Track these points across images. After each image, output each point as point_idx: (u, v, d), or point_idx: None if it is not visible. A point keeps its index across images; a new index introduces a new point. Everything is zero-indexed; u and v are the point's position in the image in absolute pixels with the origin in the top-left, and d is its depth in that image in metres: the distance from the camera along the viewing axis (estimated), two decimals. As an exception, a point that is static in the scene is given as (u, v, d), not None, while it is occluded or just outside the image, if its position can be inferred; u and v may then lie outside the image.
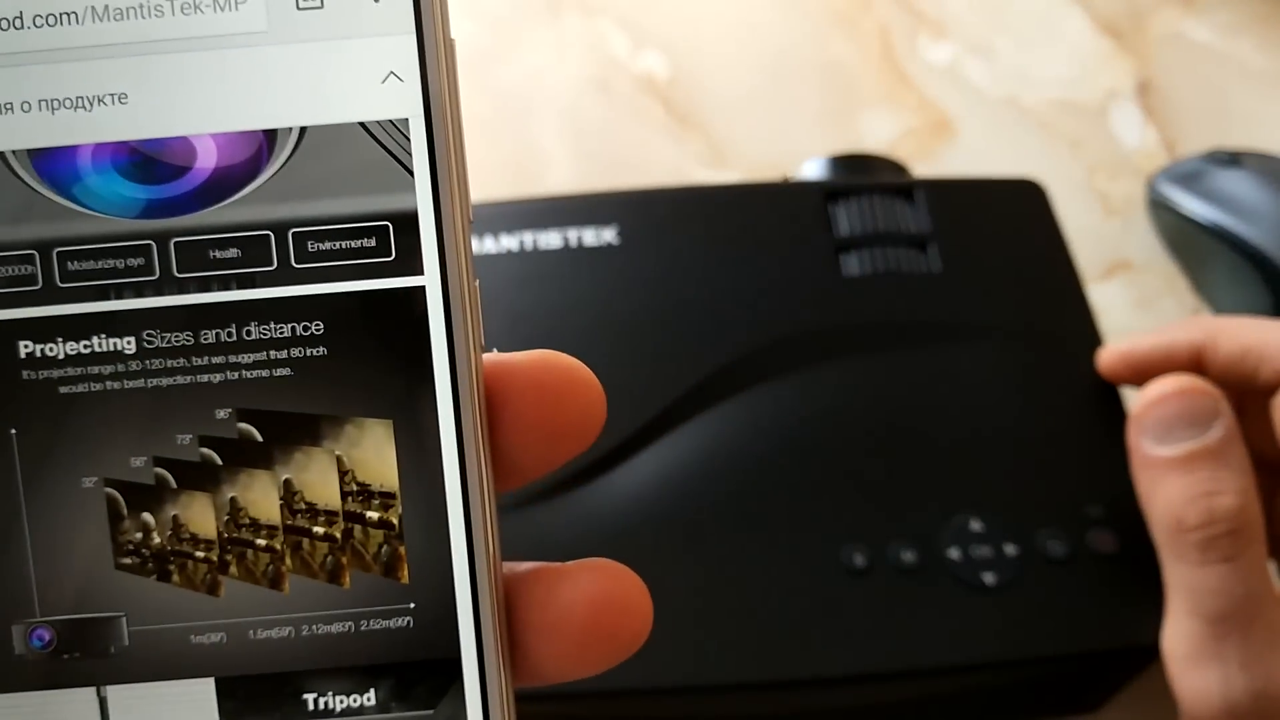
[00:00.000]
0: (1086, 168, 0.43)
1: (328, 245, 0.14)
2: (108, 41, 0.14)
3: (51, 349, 0.14)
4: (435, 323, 0.14)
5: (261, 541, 0.14)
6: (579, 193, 0.34)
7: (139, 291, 0.14)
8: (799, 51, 0.47)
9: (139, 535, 0.14)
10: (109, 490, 0.14)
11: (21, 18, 0.14)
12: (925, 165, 0.42)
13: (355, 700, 0.14)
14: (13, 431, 0.14)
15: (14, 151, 0.14)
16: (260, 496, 0.14)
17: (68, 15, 0.14)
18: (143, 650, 0.14)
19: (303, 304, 0.14)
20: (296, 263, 0.14)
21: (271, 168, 0.14)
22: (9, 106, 0.14)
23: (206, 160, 0.14)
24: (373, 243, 0.14)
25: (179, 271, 0.14)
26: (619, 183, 0.34)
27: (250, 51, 0.14)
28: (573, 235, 0.31)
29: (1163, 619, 0.25)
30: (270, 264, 0.14)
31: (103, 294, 0.14)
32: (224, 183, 0.14)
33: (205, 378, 0.14)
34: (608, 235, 0.31)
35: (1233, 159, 0.38)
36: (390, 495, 0.14)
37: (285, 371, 0.14)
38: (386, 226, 0.14)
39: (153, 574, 0.14)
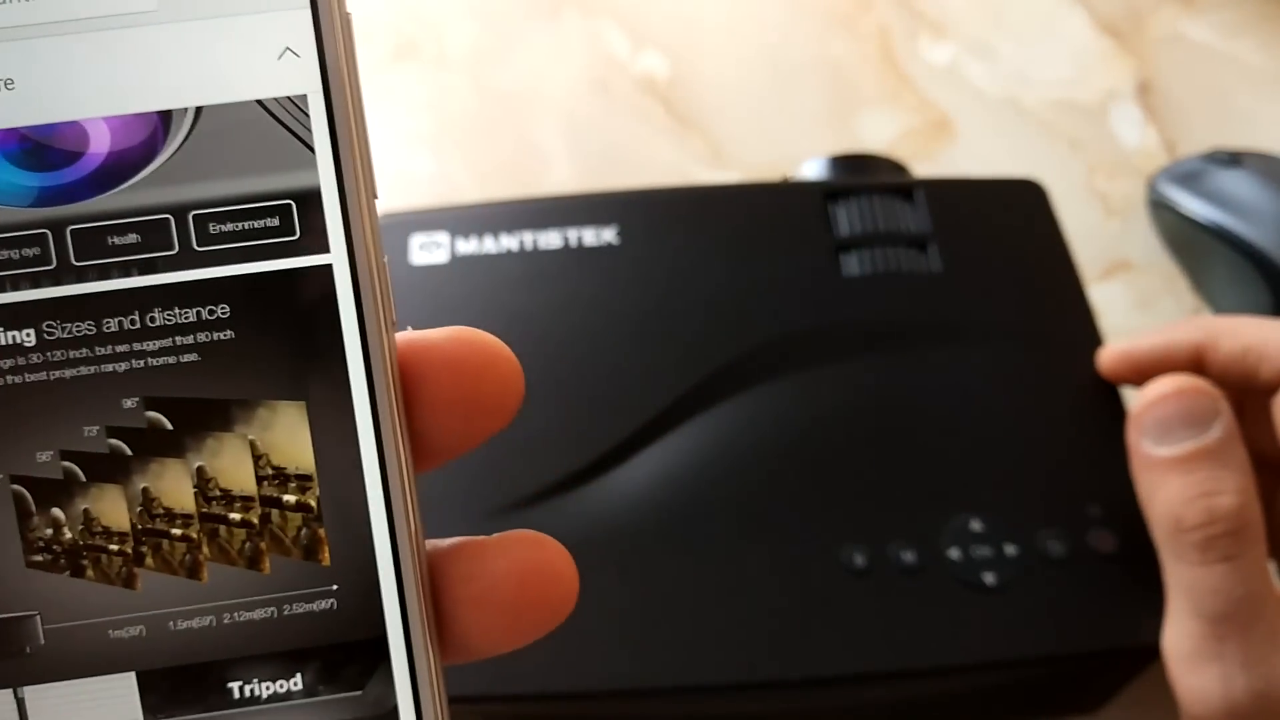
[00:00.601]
0: (1086, 168, 0.43)
1: (230, 226, 0.14)
2: None
3: None
4: (344, 301, 0.14)
5: (177, 531, 0.14)
6: (579, 193, 0.34)
7: (36, 282, 0.14)
8: (799, 51, 0.47)
9: (49, 531, 0.14)
10: (15, 487, 0.14)
11: None
12: (925, 165, 0.42)
13: (282, 686, 0.14)
14: None
15: None
16: (173, 485, 0.14)
17: None
18: (59, 648, 0.14)
19: (207, 287, 0.14)
20: (198, 245, 0.14)
21: (168, 149, 0.14)
22: None
23: (100, 144, 0.14)
24: (276, 222, 0.14)
25: (77, 260, 0.14)
26: (619, 183, 0.34)
27: (141, 31, 0.14)
28: (573, 235, 0.31)
29: (1163, 619, 0.25)
30: (171, 248, 0.14)
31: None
32: (119, 167, 0.14)
33: (110, 367, 0.14)
34: (608, 235, 0.31)
35: (1232, 159, 0.38)
36: (307, 478, 0.14)
37: (193, 357, 0.14)
38: (290, 205, 0.14)
39: (66, 570, 0.14)
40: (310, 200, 0.14)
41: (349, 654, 0.14)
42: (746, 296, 0.30)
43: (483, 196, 0.34)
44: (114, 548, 0.14)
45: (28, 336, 0.14)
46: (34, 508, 0.14)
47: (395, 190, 0.43)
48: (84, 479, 0.14)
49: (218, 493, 0.14)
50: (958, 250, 0.31)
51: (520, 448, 0.28)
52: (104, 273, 0.14)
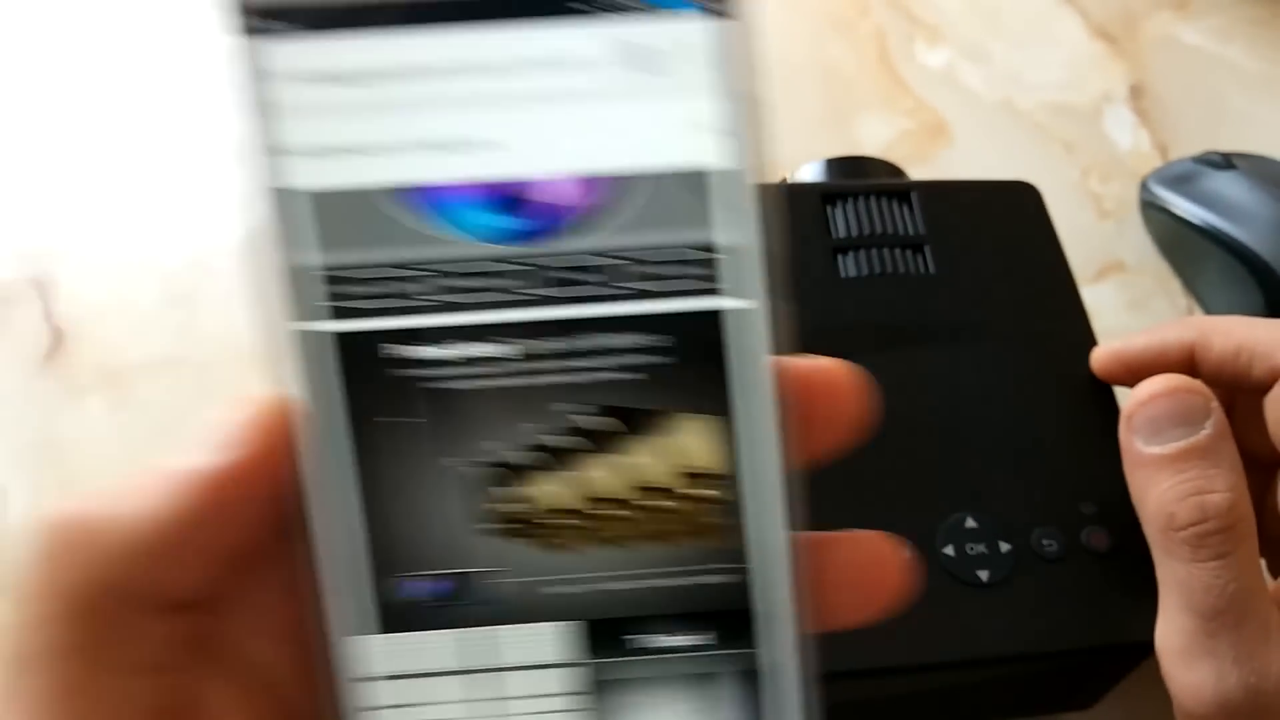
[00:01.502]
0: (1080, 170, 0.43)
1: (672, 270, 0.17)
2: (481, 94, 0.16)
3: (440, 353, 0.17)
4: (757, 337, 0.17)
5: (613, 511, 0.17)
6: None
7: (516, 306, 0.17)
8: (796, 55, 0.47)
9: (511, 506, 0.17)
10: (485, 468, 0.17)
11: (407, 70, 0.16)
12: (921, 168, 0.42)
13: (690, 639, 0.17)
14: (406, 420, 0.17)
15: (405, 185, 0.16)
16: (614, 476, 0.17)
17: (448, 70, 0.16)
18: (512, 598, 0.17)
19: (650, 319, 0.17)
20: (645, 284, 0.17)
21: (623, 203, 0.16)
22: (404, 146, 0.16)
23: (567, 197, 0.16)
24: (709, 270, 0.17)
25: (546, 290, 0.17)
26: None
27: (600, 105, 0.16)
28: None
29: (1156, 616, 0.25)
30: (617, 284, 0.17)
31: (481, 307, 0.17)
32: (577, 216, 0.16)
33: (568, 379, 0.17)
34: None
35: (1224, 161, 0.38)
36: (719, 477, 0.17)
37: (638, 375, 0.17)
38: (719, 257, 0.17)
39: (522, 536, 0.17)
40: (737, 253, 0.17)
41: (746, 618, 0.17)
42: (745, 298, 0.31)
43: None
44: (561, 521, 0.17)
45: (505, 349, 0.17)
46: (501, 485, 0.17)
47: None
48: (542, 466, 0.17)
49: (646, 483, 0.17)
50: (953, 251, 0.32)
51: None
52: (569, 302, 0.17)
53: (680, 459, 0.17)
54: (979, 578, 0.26)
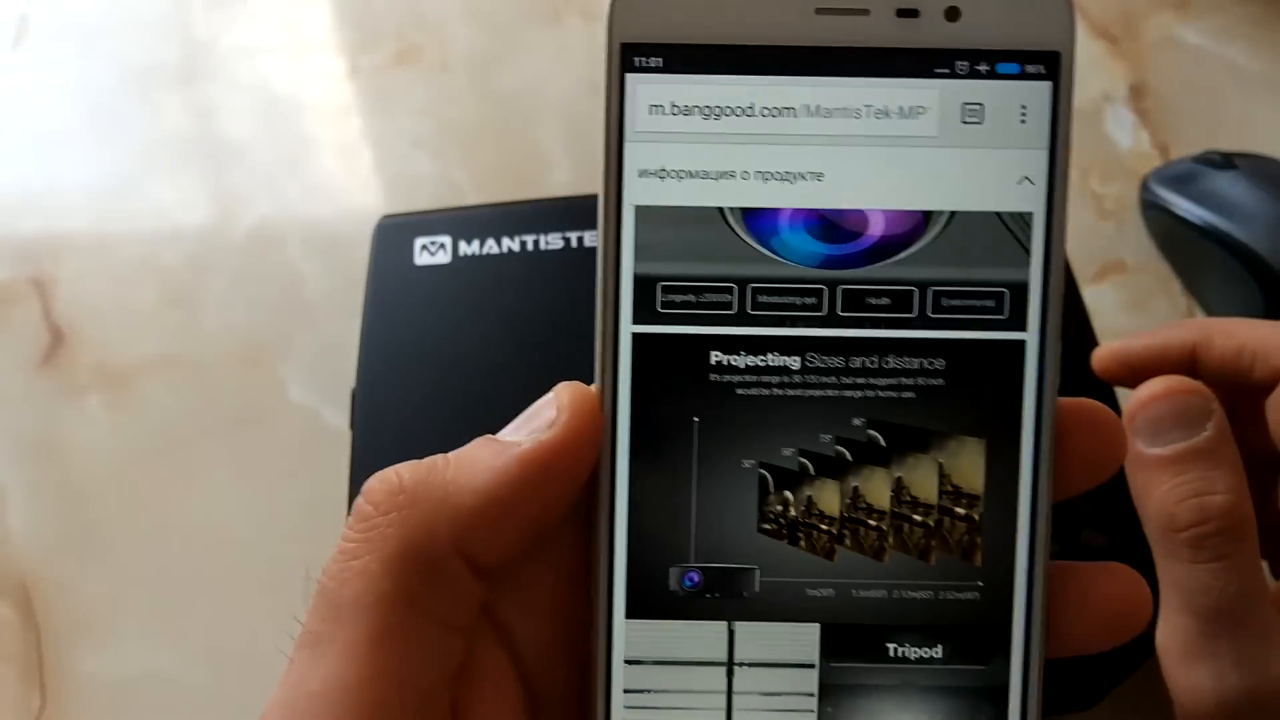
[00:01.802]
0: (1080, 170, 0.43)
1: (958, 302, 0.18)
2: (814, 132, 0.18)
3: (736, 360, 0.18)
4: (1030, 370, 0.18)
5: (872, 522, 0.18)
6: (579, 195, 0.34)
7: (809, 323, 0.18)
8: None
9: (779, 508, 0.18)
10: (762, 471, 0.18)
11: (753, 108, 0.18)
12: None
13: (926, 651, 0.18)
14: (696, 419, 0.18)
15: (732, 209, 0.18)
16: (876, 487, 0.18)
17: (788, 110, 0.18)
18: (768, 596, 0.18)
19: (932, 344, 0.18)
20: (931, 312, 0.18)
21: (924, 239, 0.18)
22: (733, 173, 0.18)
23: (875, 229, 0.18)
24: (992, 304, 0.18)
25: (841, 311, 0.18)
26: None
27: (921, 151, 0.18)
28: (574, 237, 0.32)
29: (1156, 617, 0.25)
30: (911, 311, 0.18)
31: (781, 322, 0.18)
32: (886, 247, 0.18)
33: (848, 393, 0.18)
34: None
35: (1225, 161, 0.38)
36: (975, 497, 0.18)
37: (910, 395, 0.18)
38: (1004, 293, 0.18)
39: (785, 538, 0.18)
40: (1020, 292, 0.18)
41: (981, 636, 0.18)
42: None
43: (484, 199, 0.35)
44: (823, 527, 0.18)
45: (794, 361, 0.18)
46: (772, 488, 0.18)
47: (398, 193, 0.44)
48: (812, 473, 0.18)
49: (908, 498, 0.18)
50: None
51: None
52: (858, 323, 0.18)
53: (952, 479, 0.18)
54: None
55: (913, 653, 0.18)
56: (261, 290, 0.41)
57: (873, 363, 0.18)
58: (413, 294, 0.31)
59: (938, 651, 0.18)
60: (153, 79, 0.48)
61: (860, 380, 0.18)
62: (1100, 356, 0.29)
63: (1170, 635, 0.24)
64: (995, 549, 0.18)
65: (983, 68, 0.18)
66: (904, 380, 0.18)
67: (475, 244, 0.32)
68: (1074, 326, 0.30)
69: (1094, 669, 0.27)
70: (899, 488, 0.18)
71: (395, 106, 0.46)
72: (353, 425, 0.29)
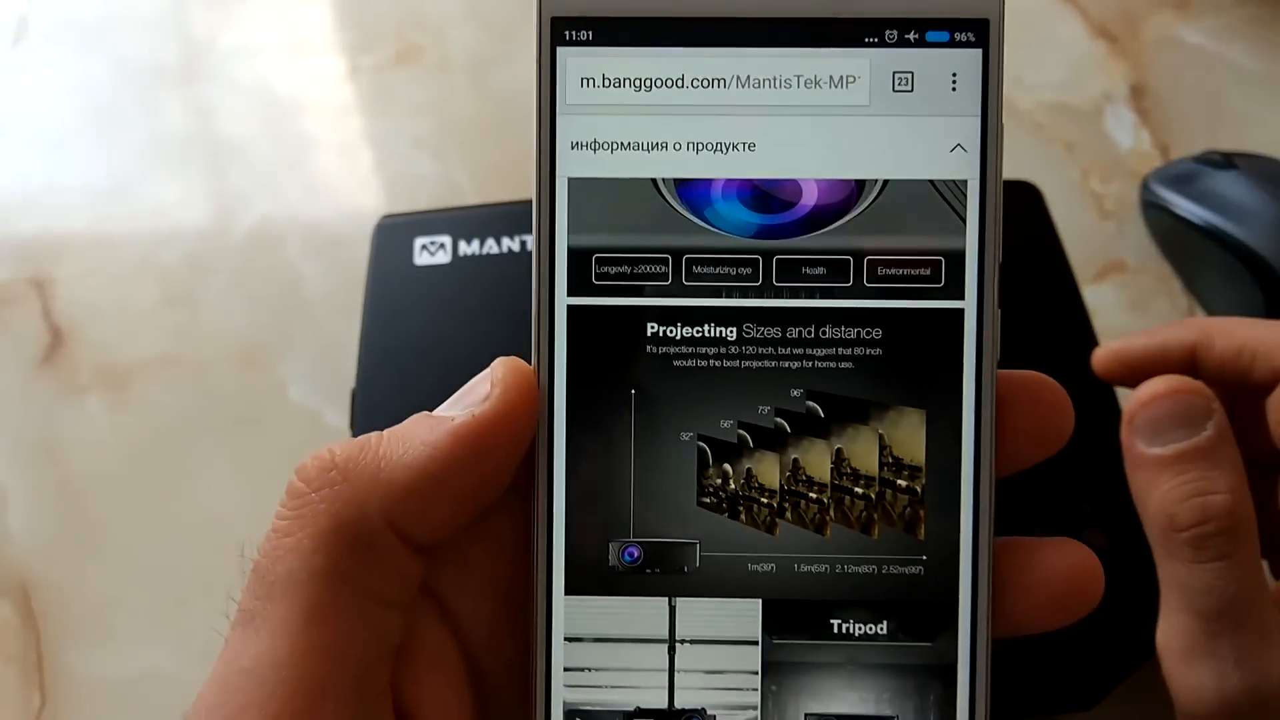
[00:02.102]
0: (1081, 170, 0.43)
1: (893, 271, 0.18)
2: (746, 103, 0.18)
3: (672, 331, 0.18)
4: (968, 339, 0.18)
5: (813, 495, 0.18)
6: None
7: (744, 294, 0.18)
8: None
9: (719, 481, 0.18)
10: (700, 443, 0.18)
11: (685, 80, 0.18)
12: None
13: (870, 628, 0.18)
14: (633, 392, 0.18)
15: (665, 179, 0.18)
16: (816, 459, 0.18)
17: (719, 81, 0.18)
18: (709, 571, 0.18)
19: (867, 314, 0.18)
20: (867, 281, 0.18)
21: (858, 208, 0.18)
22: (666, 145, 0.18)
23: (809, 199, 0.18)
24: (928, 272, 0.18)
25: (777, 281, 0.18)
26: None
27: (853, 120, 0.18)
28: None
29: (1157, 616, 0.25)
30: (847, 280, 0.18)
31: (716, 293, 0.18)
32: (820, 216, 0.18)
33: (786, 364, 0.18)
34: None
35: (1226, 160, 0.38)
36: (917, 469, 0.18)
37: (848, 365, 0.18)
38: (940, 260, 0.18)
39: (725, 512, 0.18)
40: (956, 260, 0.18)
41: (927, 612, 0.18)
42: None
43: (484, 199, 0.35)
44: (764, 500, 0.18)
45: (730, 332, 0.18)
46: (711, 461, 0.18)
47: (398, 193, 0.44)
48: (751, 445, 0.18)
49: (848, 470, 0.18)
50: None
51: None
52: (794, 293, 0.18)
53: (893, 450, 0.18)
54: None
55: (857, 629, 0.18)
56: (261, 290, 0.41)
57: (810, 333, 0.18)
58: (413, 294, 0.31)
59: (882, 628, 0.18)
60: (152, 79, 0.48)
61: (798, 351, 0.18)
62: (1100, 356, 0.29)
63: (1171, 635, 0.24)
64: (938, 522, 0.18)
65: (912, 36, 0.18)
66: (842, 350, 0.18)
67: (475, 244, 0.32)
68: (1074, 326, 0.30)
69: (1094, 669, 0.27)
70: (839, 459, 0.18)
71: (395, 106, 0.46)
72: (353, 425, 0.29)
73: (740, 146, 0.18)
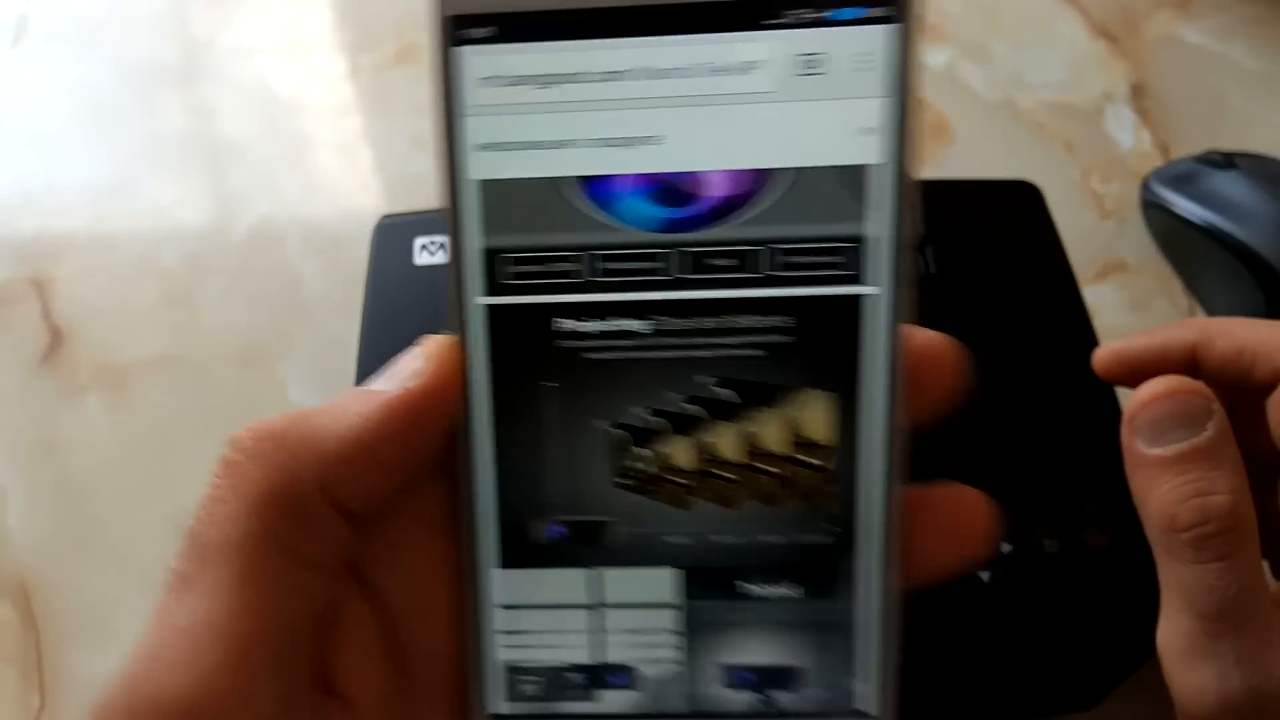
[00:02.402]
0: (1081, 170, 0.43)
1: (803, 259, 0.18)
2: (649, 95, 0.18)
3: (586, 326, 0.18)
4: (878, 324, 0.18)
5: (727, 475, 0.19)
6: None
7: (655, 287, 0.18)
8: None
9: (639, 465, 0.19)
10: (616, 430, 0.19)
11: (586, 74, 0.18)
12: (922, 167, 0.42)
13: (778, 590, 0.19)
14: (552, 385, 0.19)
15: (570, 177, 0.18)
16: (728, 441, 0.19)
17: (620, 73, 0.18)
18: (630, 545, 0.19)
19: (778, 302, 0.18)
20: (777, 271, 0.18)
21: (767, 197, 0.18)
22: (570, 142, 0.18)
23: (717, 190, 0.18)
24: (840, 259, 0.18)
25: (687, 273, 0.18)
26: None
27: (759, 107, 0.18)
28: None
29: (1157, 616, 0.25)
30: (757, 270, 0.18)
31: (627, 288, 0.18)
32: (728, 208, 0.18)
33: (699, 354, 0.18)
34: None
35: (1226, 160, 0.38)
36: (826, 447, 0.18)
37: (760, 352, 0.18)
38: (851, 247, 0.18)
39: (643, 491, 0.19)
40: (867, 245, 0.18)
41: (832, 574, 0.19)
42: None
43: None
44: (679, 480, 0.19)
45: (644, 325, 0.18)
46: (628, 446, 0.19)
47: (398, 193, 0.44)
48: (668, 430, 0.19)
49: (761, 451, 0.19)
50: (954, 251, 0.32)
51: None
52: (705, 284, 0.18)
53: (803, 429, 0.18)
54: (979, 578, 0.26)
55: (767, 590, 0.19)
56: (261, 290, 0.41)
57: (721, 323, 0.18)
58: (412, 294, 0.31)
59: (788, 589, 0.19)
60: (152, 79, 0.48)
61: (711, 340, 0.18)
62: (1100, 356, 0.29)
63: (1172, 635, 0.24)
64: (846, 492, 0.18)
65: (817, 15, 0.17)
66: (753, 339, 0.18)
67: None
68: (1074, 326, 0.30)
69: (1094, 669, 0.27)
70: (751, 442, 0.19)
71: (395, 106, 0.46)
72: (352, 425, 0.29)
73: (645, 140, 0.18)
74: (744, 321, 0.18)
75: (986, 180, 0.34)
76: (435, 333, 0.19)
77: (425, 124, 0.45)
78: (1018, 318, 0.31)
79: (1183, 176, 0.39)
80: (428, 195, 0.44)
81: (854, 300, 0.18)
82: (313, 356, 0.39)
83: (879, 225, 0.18)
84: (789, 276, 0.18)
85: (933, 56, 0.47)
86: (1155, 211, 0.40)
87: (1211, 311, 0.39)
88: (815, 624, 0.19)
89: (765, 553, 0.19)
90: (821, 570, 0.19)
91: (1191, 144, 0.42)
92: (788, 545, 0.19)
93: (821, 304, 0.18)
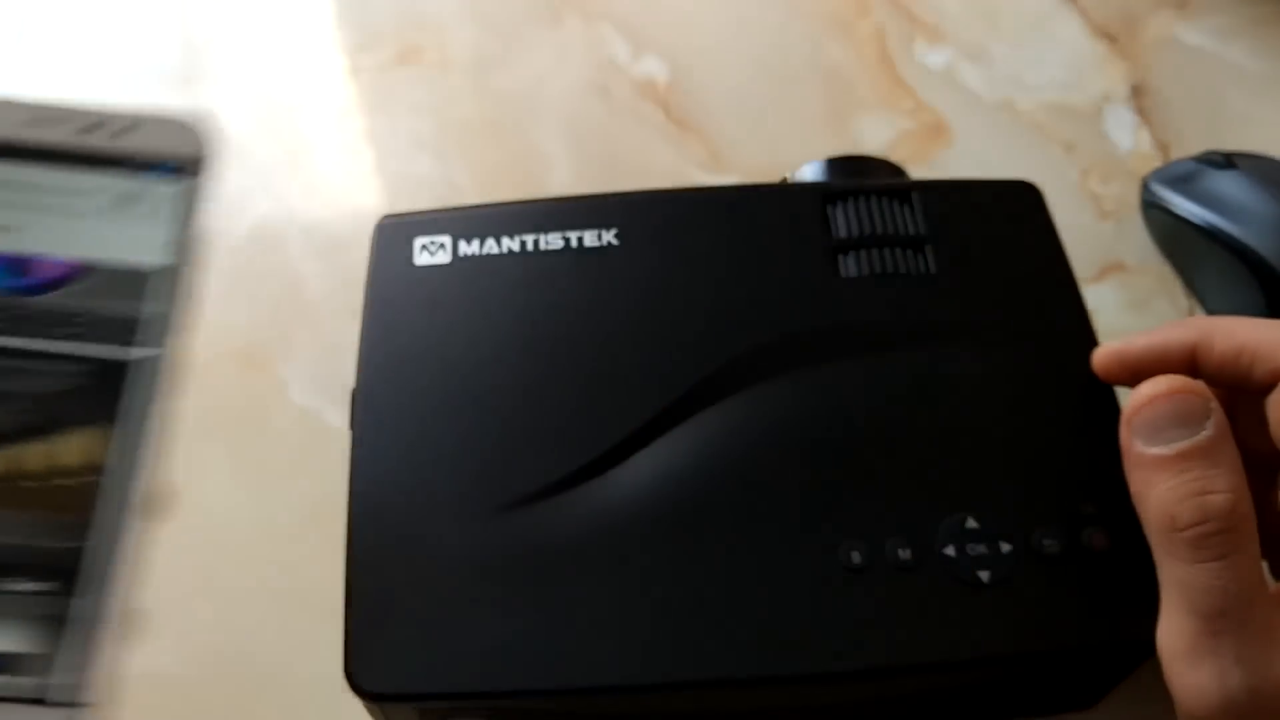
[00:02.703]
0: (1080, 170, 0.43)
1: (105, 326, 0.25)
2: (13, 199, 0.26)
3: None
4: (154, 375, 0.24)
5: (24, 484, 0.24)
6: (579, 195, 0.34)
7: None
8: (797, 56, 0.47)
9: None
10: None
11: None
12: (922, 168, 0.42)
13: (33, 585, 0.23)
14: None
15: None
16: (12, 466, 0.23)
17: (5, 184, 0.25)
18: None
19: (71, 357, 0.24)
20: (81, 329, 0.24)
21: (84, 279, 0.25)
22: None
23: (45, 271, 0.25)
24: (129, 328, 0.25)
25: None
26: (619, 185, 0.34)
27: (89, 220, 0.26)
28: (573, 237, 0.32)
29: (1156, 615, 0.25)
30: (60, 329, 0.24)
31: None
32: (53, 282, 0.25)
33: None
34: (608, 237, 0.32)
35: (1226, 160, 0.38)
36: (93, 471, 0.23)
37: (59, 387, 0.24)
38: (135, 321, 0.25)
39: None
40: (144, 321, 0.25)
41: (65, 575, 0.23)
42: (745, 296, 0.31)
43: (484, 199, 0.35)
44: None
45: None
46: None
47: (398, 193, 0.44)
48: None
49: (26, 471, 0.23)
50: (954, 251, 0.32)
51: (520, 447, 0.28)
52: (14, 335, 0.24)
53: (65, 459, 0.23)
54: (979, 578, 0.26)
55: (23, 586, 0.22)
56: (261, 290, 0.41)
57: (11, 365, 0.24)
58: (413, 294, 0.31)
59: (49, 586, 0.22)
60: (152, 79, 0.48)
61: None
62: (1100, 356, 0.29)
63: (1171, 635, 0.24)
64: (95, 510, 0.23)
65: (138, 167, 0.26)
66: (43, 384, 0.24)
67: (475, 244, 0.32)
68: (1074, 326, 0.30)
69: (1094, 669, 0.27)
70: (20, 463, 0.23)
71: (395, 106, 0.46)
72: (353, 425, 0.29)
73: (8, 229, 0.25)
74: (32, 365, 0.24)
75: (986, 180, 0.34)
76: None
77: (425, 124, 0.45)
78: (1018, 318, 0.31)
79: (1182, 177, 0.39)
80: (428, 195, 0.44)
81: (124, 361, 0.24)
82: (313, 357, 0.39)
83: (153, 308, 0.25)
84: (86, 334, 0.24)
85: (932, 57, 0.47)
86: (1155, 212, 0.40)
87: (1211, 311, 0.39)
88: (60, 617, 0.22)
89: (15, 553, 0.22)
90: (71, 571, 0.22)
91: (1191, 144, 0.42)
92: (24, 547, 0.22)
93: (103, 360, 0.24)
